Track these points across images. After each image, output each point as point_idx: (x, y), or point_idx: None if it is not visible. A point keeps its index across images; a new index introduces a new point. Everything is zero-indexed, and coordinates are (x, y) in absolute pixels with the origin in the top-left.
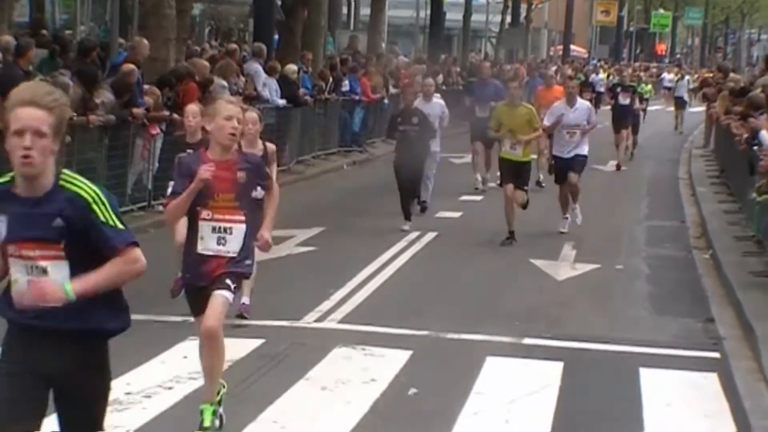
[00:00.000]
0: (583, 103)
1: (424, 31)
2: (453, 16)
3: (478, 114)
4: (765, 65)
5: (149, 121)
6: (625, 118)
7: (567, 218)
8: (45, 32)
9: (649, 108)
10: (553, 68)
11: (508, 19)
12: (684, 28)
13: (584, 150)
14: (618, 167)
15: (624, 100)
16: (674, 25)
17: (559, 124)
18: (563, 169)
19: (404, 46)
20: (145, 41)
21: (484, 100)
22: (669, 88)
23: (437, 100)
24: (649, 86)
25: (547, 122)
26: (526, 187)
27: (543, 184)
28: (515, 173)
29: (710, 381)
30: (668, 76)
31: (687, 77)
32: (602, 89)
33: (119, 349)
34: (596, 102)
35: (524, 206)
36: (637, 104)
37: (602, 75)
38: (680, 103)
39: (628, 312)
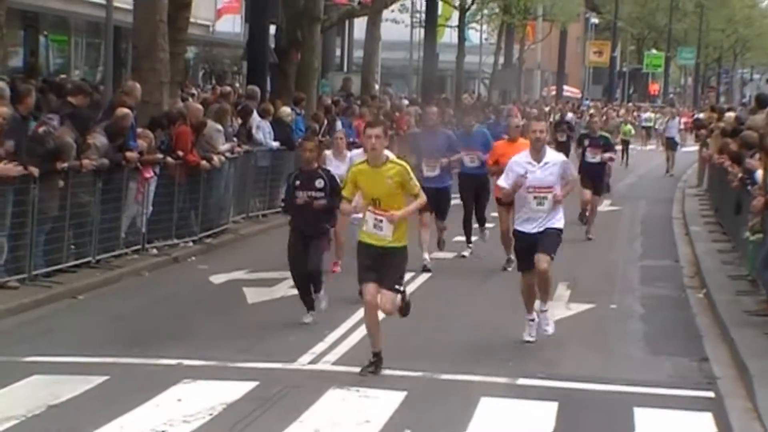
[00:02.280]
0: (555, 157)
1: (417, 72)
2: (446, 57)
3: (426, 173)
4: (756, 104)
5: (142, 164)
6: (592, 178)
7: (533, 321)
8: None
9: (643, 147)
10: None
11: (501, 60)
12: (677, 67)
13: (558, 222)
14: (589, 240)
15: (593, 156)
16: (667, 65)
17: (521, 187)
18: (527, 250)
19: (398, 87)
20: (138, 85)
21: (431, 155)
22: (646, 128)
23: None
24: (629, 126)
25: (504, 183)
26: (398, 287)
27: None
28: (377, 265)
29: (705, 420)
30: (645, 115)
31: (678, 118)
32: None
33: (113, 392)
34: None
35: (404, 313)
36: (607, 160)
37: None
38: (671, 145)
39: (622, 351)
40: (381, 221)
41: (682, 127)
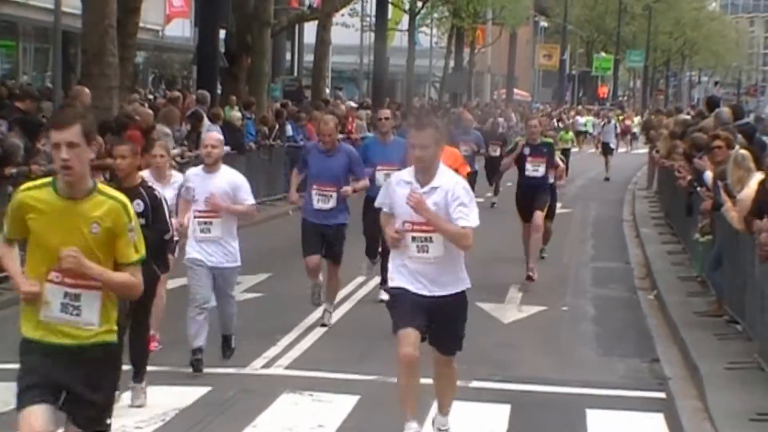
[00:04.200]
0: (447, 178)
1: (368, 76)
2: (397, 61)
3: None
4: (707, 107)
5: (92, 169)
6: (534, 197)
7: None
8: None
9: (580, 151)
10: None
11: (452, 63)
12: (626, 70)
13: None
14: (529, 278)
15: (534, 169)
16: (616, 68)
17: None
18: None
19: (348, 91)
20: (87, 90)
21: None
22: (582, 133)
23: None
24: (570, 133)
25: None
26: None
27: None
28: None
29: (656, 421)
30: (581, 119)
31: (613, 121)
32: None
33: None
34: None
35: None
36: (558, 177)
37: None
38: (607, 149)
39: (574, 353)
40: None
41: (618, 131)
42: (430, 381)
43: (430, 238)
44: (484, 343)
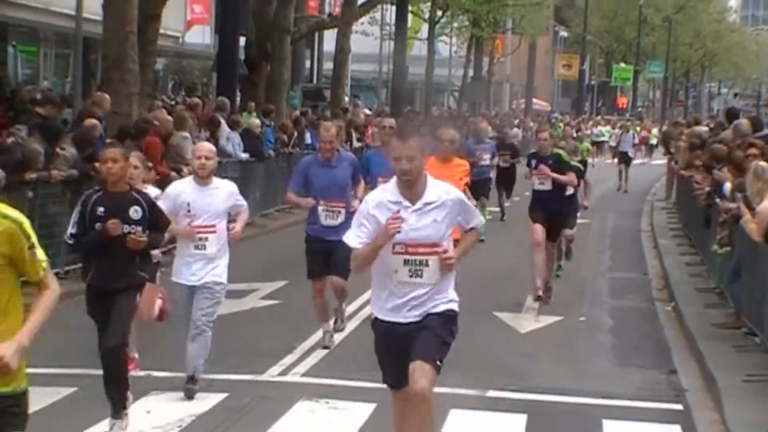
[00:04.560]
0: (443, 189)
1: (387, 84)
2: (416, 69)
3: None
4: (726, 118)
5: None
6: (546, 214)
7: None
8: None
9: (596, 161)
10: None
11: (471, 72)
12: (645, 81)
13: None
14: (539, 297)
15: (541, 182)
16: (635, 79)
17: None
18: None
19: (367, 99)
20: (107, 96)
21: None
22: (597, 143)
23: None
24: (585, 144)
25: (354, 243)
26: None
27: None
28: None
29: None
30: (596, 130)
31: (631, 131)
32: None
33: (81, 404)
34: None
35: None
36: (571, 185)
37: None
38: (624, 159)
39: (591, 364)
40: None
41: (636, 141)
42: (445, 390)
43: (426, 261)
44: (501, 352)
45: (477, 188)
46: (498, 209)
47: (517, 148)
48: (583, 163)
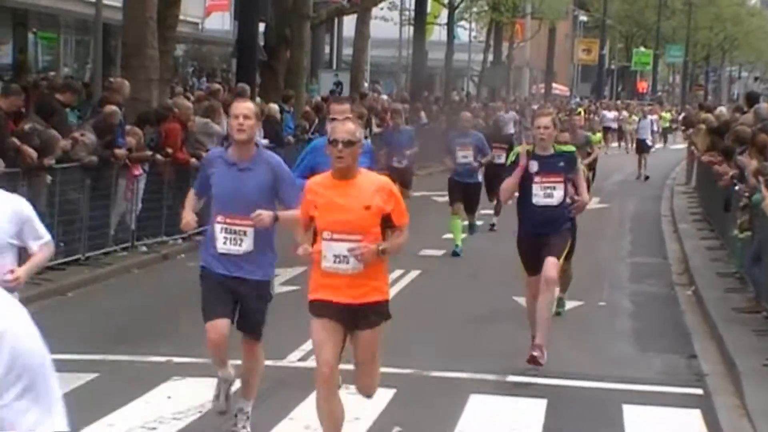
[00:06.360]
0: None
1: (406, 70)
2: (435, 55)
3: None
4: (746, 102)
5: (131, 161)
6: (547, 238)
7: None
8: None
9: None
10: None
11: (490, 57)
12: (665, 65)
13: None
14: (534, 359)
15: (547, 194)
16: (655, 63)
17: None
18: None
19: (387, 85)
20: (127, 82)
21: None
22: (610, 129)
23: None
24: (598, 135)
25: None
26: None
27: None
28: None
29: (693, 417)
30: (609, 115)
31: (650, 117)
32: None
33: (103, 389)
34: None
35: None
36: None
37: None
38: (643, 147)
39: (611, 349)
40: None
41: (655, 128)
42: (465, 375)
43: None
44: (521, 337)
45: (463, 196)
46: (490, 213)
47: (513, 140)
48: (593, 162)
